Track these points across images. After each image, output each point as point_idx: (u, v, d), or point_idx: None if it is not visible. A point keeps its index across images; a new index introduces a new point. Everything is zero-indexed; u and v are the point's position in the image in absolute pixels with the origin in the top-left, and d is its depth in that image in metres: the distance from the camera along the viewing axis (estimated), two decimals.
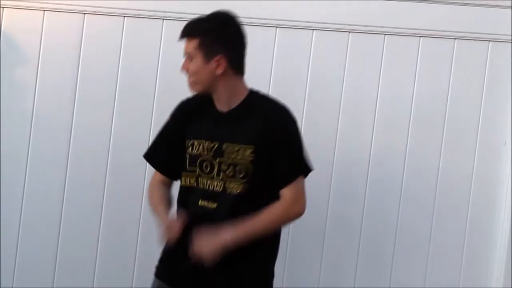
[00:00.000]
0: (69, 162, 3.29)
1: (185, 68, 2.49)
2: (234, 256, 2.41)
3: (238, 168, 2.44)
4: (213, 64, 2.44)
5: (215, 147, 2.48)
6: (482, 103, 3.40)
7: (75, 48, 3.27)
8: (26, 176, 3.29)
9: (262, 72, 3.30)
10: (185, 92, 3.27)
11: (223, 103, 2.50)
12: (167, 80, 3.29)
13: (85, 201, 3.30)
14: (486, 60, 3.39)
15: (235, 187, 2.44)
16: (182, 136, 2.57)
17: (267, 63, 3.31)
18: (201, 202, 2.49)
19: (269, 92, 3.30)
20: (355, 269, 3.39)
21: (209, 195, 2.48)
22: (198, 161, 2.51)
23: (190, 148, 2.53)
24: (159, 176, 2.67)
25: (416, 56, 3.37)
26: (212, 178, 2.48)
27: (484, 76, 3.39)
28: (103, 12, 3.26)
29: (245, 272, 2.47)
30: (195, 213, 2.49)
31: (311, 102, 3.33)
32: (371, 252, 3.40)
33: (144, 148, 3.27)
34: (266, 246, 2.50)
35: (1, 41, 3.24)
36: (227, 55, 2.45)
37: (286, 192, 2.45)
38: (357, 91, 3.36)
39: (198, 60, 2.44)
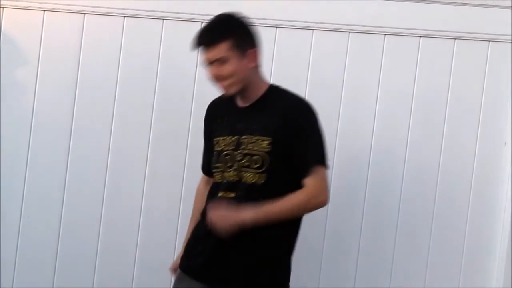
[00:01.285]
0: (69, 162, 3.29)
1: (216, 74, 2.47)
2: (251, 244, 2.44)
3: (254, 158, 2.45)
4: (246, 59, 2.47)
5: (235, 141, 2.51)
6: (482, 103, 3.40)
7: (75, 48, 3.27)
8: (26, 176, 3.29)
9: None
10: (184, 92, 3.30)
11: (247, 98, 2.52)
12: (167, 80, 3.29)
13: (85, 201, 3.30)
14: (486, 60, 3.38)
15: (250, 177, 2.46)
16: (211, 137, 2.63)
17: (267, 63, 3.28)
18: (220, 194, 2.52)
19: None
20: (355, 269, 3.39)
21: (228, 186, 2.51)
22: (221, 157, 2.55)
23: (216, 146, 2.58)
24: (204, 177, 2.76)
25: (416, 56, 3.36)
26: (231, 170, 2.50)
27: (484, 76, 3.39)
28: (103, 12, 3.26)
29: (261, 264, 2.48)
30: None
31: (311, 102, 3.32)
32: (371, 252, 3.39)
33: (144, 147, 3.30)
34: (284, 237, 2.52)
35: (1, 41, 3.24)
36: (257, 47, 2.52)
37: (308, 182, 2.45)
38: (357, 91, 3.35)
39: (234, 60, 2.45)
